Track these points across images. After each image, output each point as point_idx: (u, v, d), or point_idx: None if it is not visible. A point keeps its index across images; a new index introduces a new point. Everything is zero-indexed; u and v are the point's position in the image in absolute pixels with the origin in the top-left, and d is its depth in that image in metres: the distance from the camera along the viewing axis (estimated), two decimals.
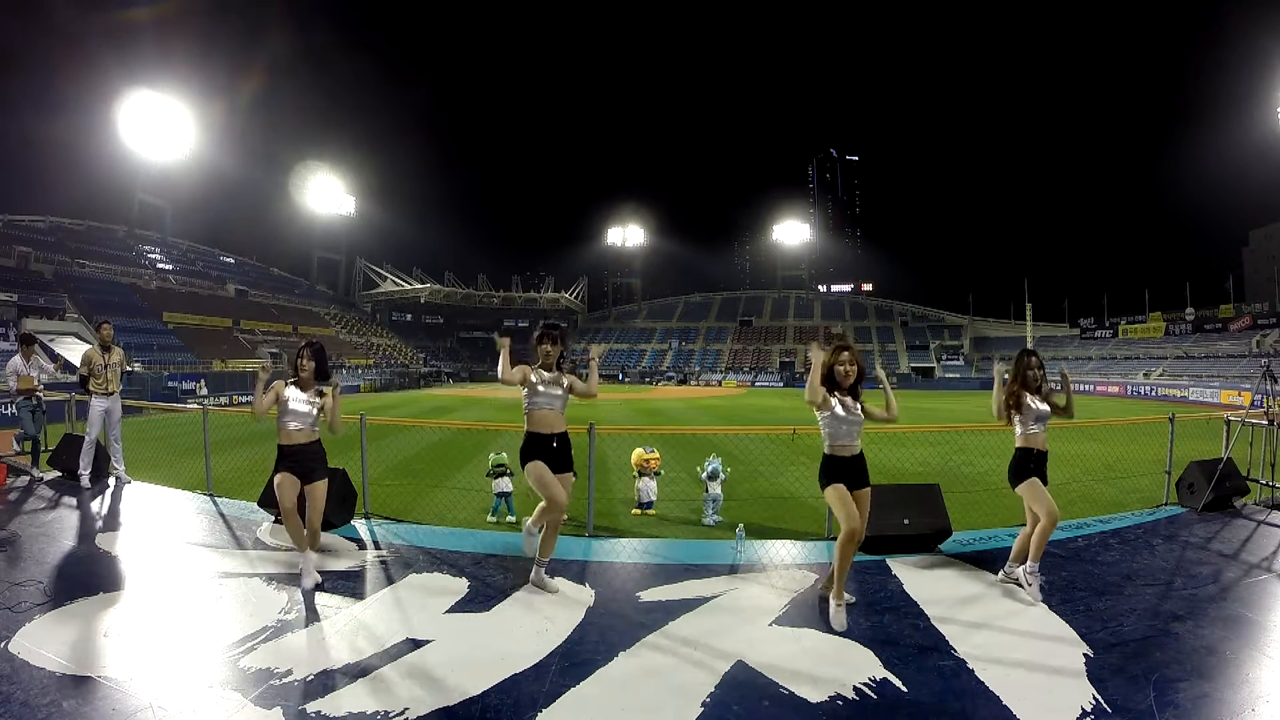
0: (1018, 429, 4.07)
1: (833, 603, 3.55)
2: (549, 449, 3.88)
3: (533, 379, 3.91)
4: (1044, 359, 4.26)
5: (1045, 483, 3.94)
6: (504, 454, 6.07)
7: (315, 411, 4.11)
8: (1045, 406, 4.05)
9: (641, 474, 6.31)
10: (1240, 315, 42.68)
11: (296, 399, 4.07)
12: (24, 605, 3.57)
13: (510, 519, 5.88)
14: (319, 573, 4.11)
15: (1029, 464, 3.96)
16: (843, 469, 3.61)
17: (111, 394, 6.82)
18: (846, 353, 3.68)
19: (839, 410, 3.60)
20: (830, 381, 3.65)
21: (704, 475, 6.07)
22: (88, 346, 7.21)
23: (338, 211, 61.23)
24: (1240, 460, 6.21)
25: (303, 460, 4.04)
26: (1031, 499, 3.91)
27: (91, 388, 6.73)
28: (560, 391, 3.94)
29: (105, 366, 6.76)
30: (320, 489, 4.12)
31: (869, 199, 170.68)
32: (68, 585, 3.97)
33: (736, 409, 25.92)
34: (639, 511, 6.17)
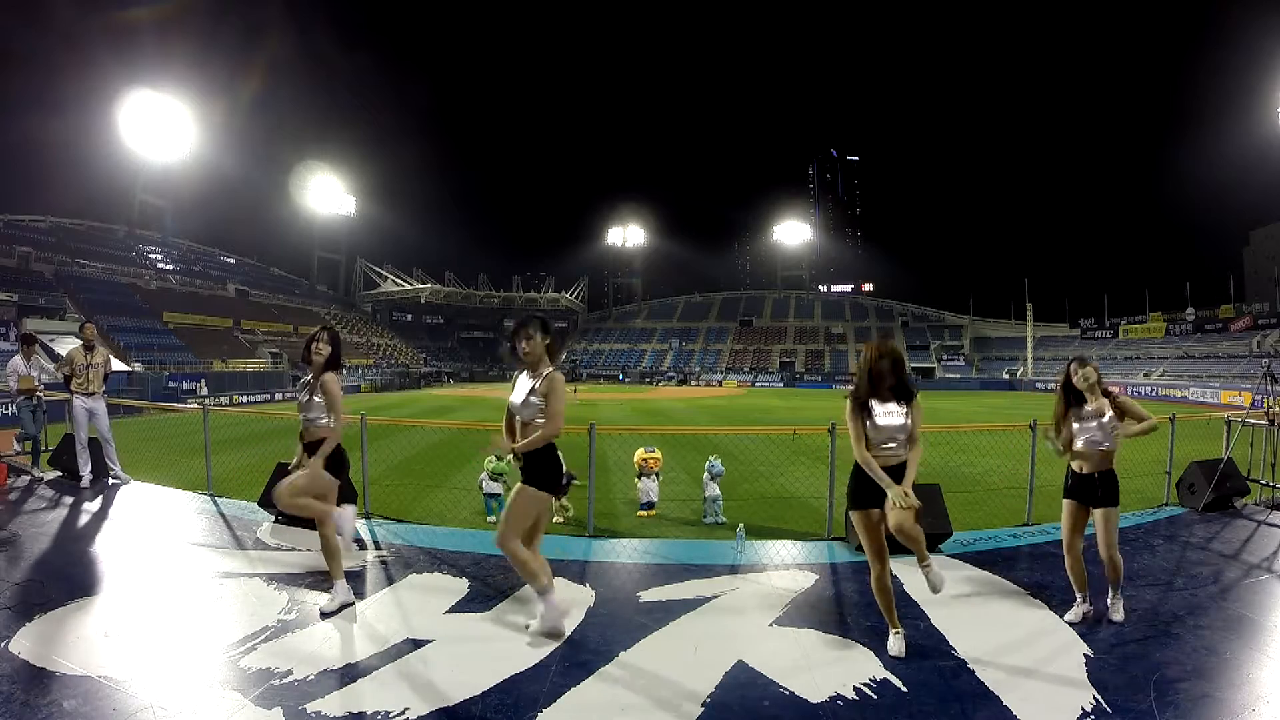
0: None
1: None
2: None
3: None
4: (1051, 358, 3.93)
5: (1101, 504, 3.57)
6: (504, 462, 6.04)
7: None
8: (1092, 423, 3.56)
9: (642, 474, 6.32)
10: (1241, 315, 42.68)
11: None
12: (25, 605, 3.57)
13: None
14: (318, 573, 4.10)
15: (1066, 481, 3.67)
16: (875, 485, 3.05)
17: (93, 394, 6.76)
18: (871, 350, 3.17)
19: (878, 419, 3.07)
20: (872, 385, 3.13)
21: (708, 476, 6.10)
22: (72, 346, 7.16)
23: (338, 211, 61.30)
24: (1241, 460, 6.21)
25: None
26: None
27: (74, 388, 6.71)
28: (539, 403, 3.26)
29: (87, 366, 6.72)
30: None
31: (869, 199, 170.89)
32: (68, 585, 3.96)
33: (737, 409, 25.92)
34: (644, 514, 6.17)
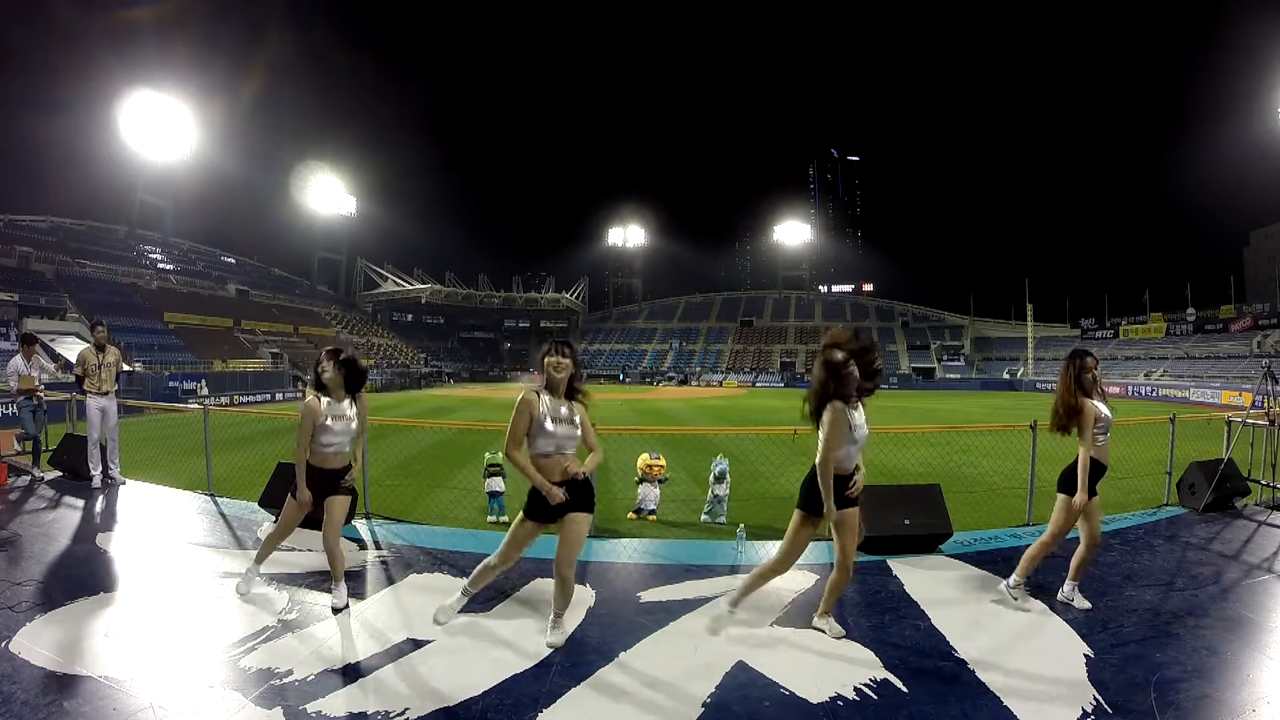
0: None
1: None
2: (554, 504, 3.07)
3: (539, 413, 3.07)
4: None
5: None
6: (500, 453, 6.05)
7: (354, 425, 3.70)
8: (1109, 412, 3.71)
9: (644, 480, 6.25)
10: (1241, 316, 42.63)
11: (331, 414, 3.61)
12: (25, 605, 3.58)
13: (504, 519, 5.87)
14: (319, 573, 4.10)
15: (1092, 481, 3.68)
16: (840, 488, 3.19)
17: (106, 393, 6.84)
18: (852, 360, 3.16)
19: (853, 431, 3.14)
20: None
21: (712, 477, 6.08)
22: (84, 346, 7.23)
23: (338, 211, 61.29)
24: (1241, 461, 6.20)
25: (327, 482, 3.67)
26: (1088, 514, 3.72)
27: (86, 387, 6.77)
28: (575, 430, 3.13)
29: (100, 366, 6.79)
30: (339, 504, 3.71)
31: (869, 199, 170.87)
32: (68, 585, 3.97)
33: (737, 409, 25.92)
34: (634, 516, 6.12)
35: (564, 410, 3.13)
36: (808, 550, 4.88)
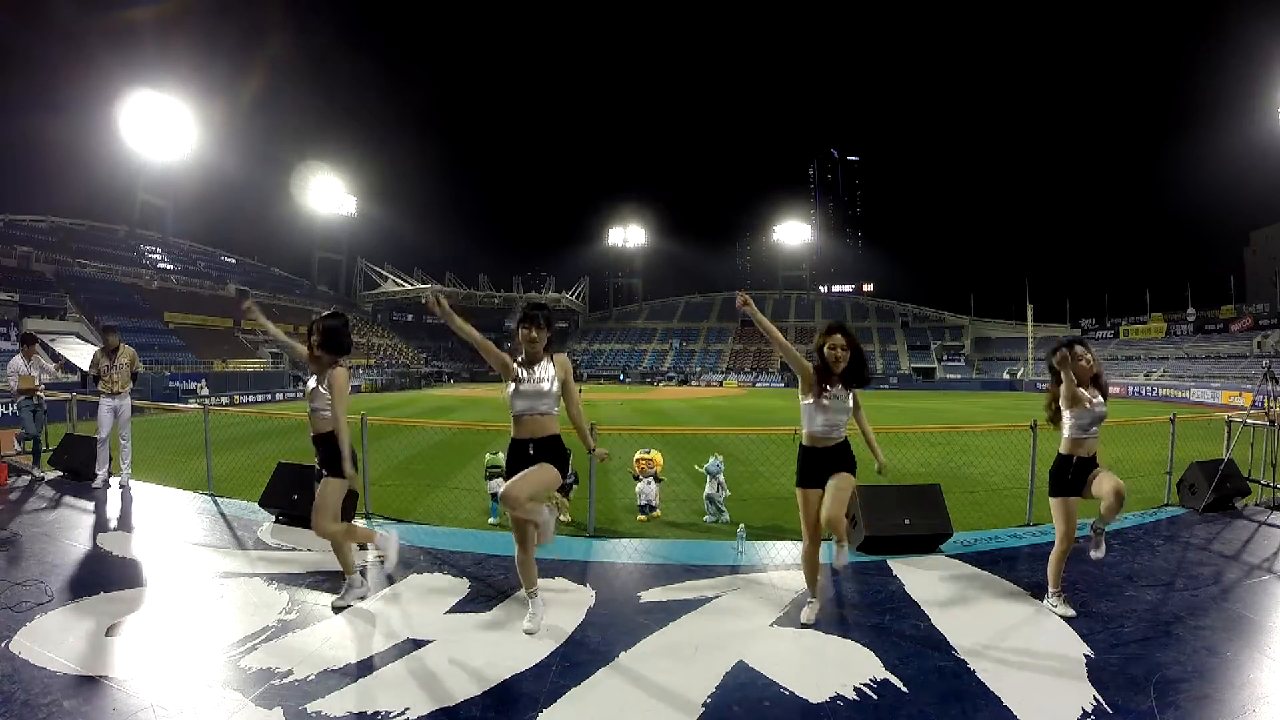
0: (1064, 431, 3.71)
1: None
2: (525, 457, 3.30)
3: (517, 373, 3.33)
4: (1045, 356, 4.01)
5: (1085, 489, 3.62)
6: (500, 454, 6.06)
7: (326, 392, 3.69)
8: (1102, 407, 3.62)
9: (639, 477, 6.25)
10: (1241, 316, 42.67)
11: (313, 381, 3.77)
12: (25, 605, 3.58)
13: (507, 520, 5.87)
14: (319, 573, 4.10)
15: (1065, 476, 3.65)
16: (815, 462, 3.42)
17: (118, 394, 6.90)
18: (839, 334, 3.44)
19: (822, 399, 3.39)
20: (821, 368, 3.43)
21: (707, 475, 6.09)
22: (95, 349, 7.31)
23: (339, 211, 61.27)
24: (1241, 461, 6.20)
25: (319, 452, 3.72)
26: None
27: (100, 388, 6.86)
28: (547, 388, 3.33)
29: (112, 367, 6.86)
30: (325, 485, 3.69)
31: (870, 199, 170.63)
32: (69, 585, 3.97)
33: (738, 409, 25.93)
34: (644, 518, 6.11)
35: (536, 372, 3.35)
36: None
